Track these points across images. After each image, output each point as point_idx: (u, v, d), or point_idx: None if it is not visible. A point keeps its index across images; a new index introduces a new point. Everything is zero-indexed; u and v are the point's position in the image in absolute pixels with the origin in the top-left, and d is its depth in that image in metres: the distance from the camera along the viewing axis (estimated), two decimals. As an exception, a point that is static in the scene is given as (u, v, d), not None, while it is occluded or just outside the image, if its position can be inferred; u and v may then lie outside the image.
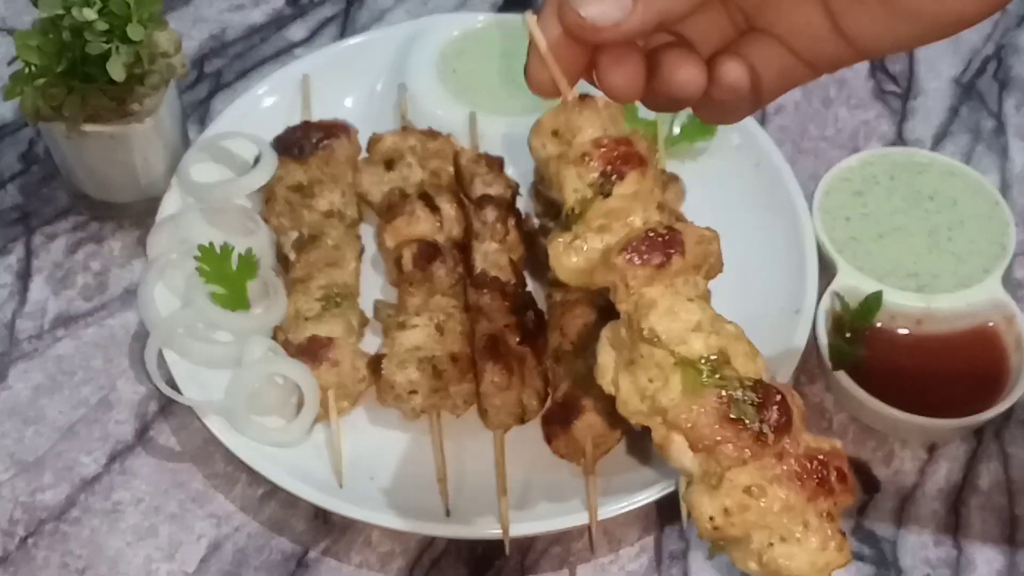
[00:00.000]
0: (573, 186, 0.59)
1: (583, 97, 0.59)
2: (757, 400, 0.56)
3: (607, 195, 0.58)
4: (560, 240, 0.59)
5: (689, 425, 0.55)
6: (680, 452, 0.56)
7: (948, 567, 0.88)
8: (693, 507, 0.56)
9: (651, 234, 0.58)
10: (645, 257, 0.57)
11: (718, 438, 0.55)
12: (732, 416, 0.55)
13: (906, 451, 0.94)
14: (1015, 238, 1.00)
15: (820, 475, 0.56)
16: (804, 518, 0.55)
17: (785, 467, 0.55)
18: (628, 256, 0.57)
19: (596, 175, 0.58)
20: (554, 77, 0.57)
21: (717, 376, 0.56)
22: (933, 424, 0.90)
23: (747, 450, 0.55)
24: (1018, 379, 0.91)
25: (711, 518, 0.55)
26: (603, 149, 0.59)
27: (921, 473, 0.93)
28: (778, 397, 0.56)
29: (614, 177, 0.58)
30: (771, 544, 0.55)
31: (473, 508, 0.86)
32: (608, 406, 0.87)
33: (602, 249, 0.59)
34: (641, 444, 0.90)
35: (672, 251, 0.58)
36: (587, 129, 0.60)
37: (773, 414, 0.55)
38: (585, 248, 0.59)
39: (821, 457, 0.57)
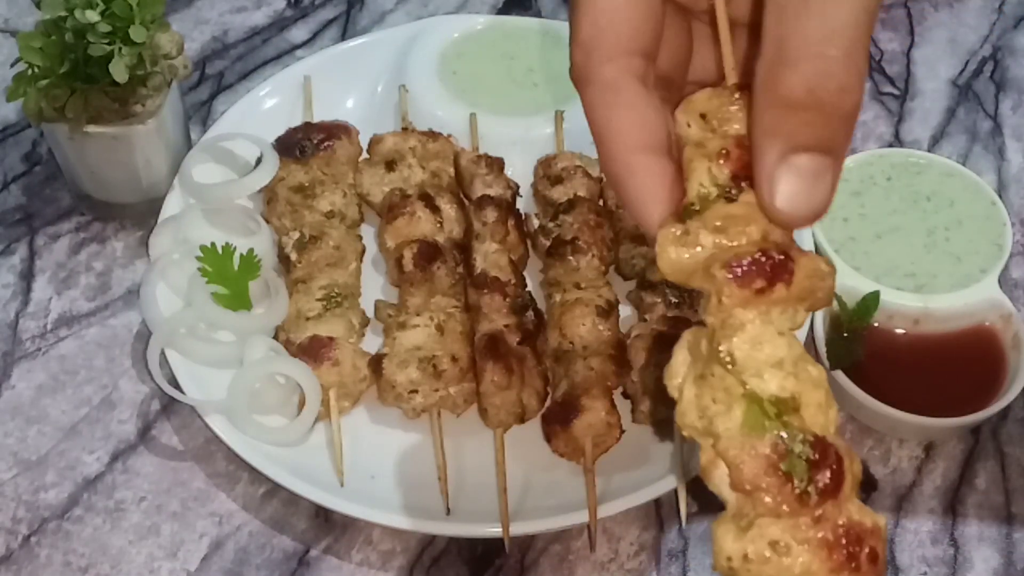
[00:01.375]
0: (700, 180, 0.55)
1: (743, 85, 0.54)
2: (813, 458, 0.53)
3: (732, 199, 0.54)
4: (672, 230, 0.55)
5: (737, 462, 0.53)
6: (721, 481, 0.54)
7: (945, 565, 0.88)
8: (716, 540, 0.54)
9: (761, 256, 0.53)
10: (747, 278, 0.53)
11: (761, 485, 0.53)
12: (782, 468, 0.53)
13: (903, 450, 0.94)
14: (1012, 238, 1.01)
15: (851, 550, 0.54)
16: None
17: (819, 533, 0.53)
18: (730, 271, 0.53)
19: (727, 176, 0.54)
20: (723, 53, 0.53)
21: (781, 421, 0.53)
22: (930, 423, 0.90)
23: (786, 506, 0.53)
24: (1015, 378, 0.91)
25: (729, 558, 0.54)
26: (743, 150, 0.54)
27: (918, 472, 0.93)
28: (834, 462, 0.53)
29: (744, 183, 0.54)
30: None
31: (473, 507, 0.87)
32: (608, 405, 0.88)
33: (710, 252, 0.55)
34: (640, 443, 0.91)
35: (778, 279, 0.53)
36: (736, 122, 0.55)
37: (824, 476, 0.53)
38: (694, 247, 0.55)
39: (859, 531, 0.54)
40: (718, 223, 0.54)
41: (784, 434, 0.53)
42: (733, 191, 0.54)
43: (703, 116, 0.55)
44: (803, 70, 0.48)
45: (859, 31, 0.48)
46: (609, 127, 0.53)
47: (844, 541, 0.53)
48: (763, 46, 0.49)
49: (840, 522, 0.54)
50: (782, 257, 0.54)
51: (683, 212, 0.55)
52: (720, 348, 0.54)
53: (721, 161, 0.54)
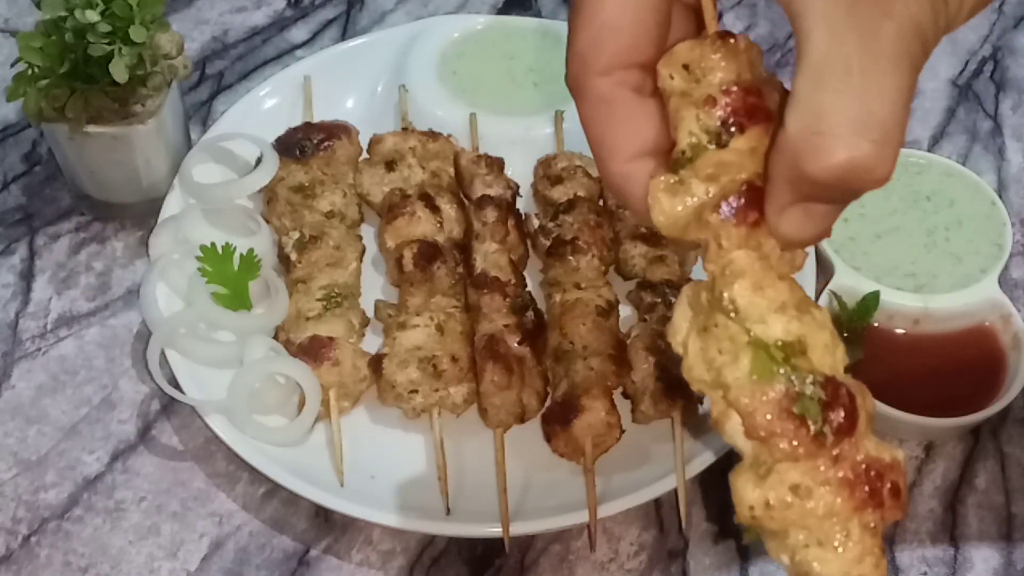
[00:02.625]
0: (689, 128, 0.54)
1: (724, 34, 0.53)
2: (824, 398, 0.52)
3: (723, 145, 0.53)
4: (662, 179, 0.54)
5: (749, 410, 0.53)
6: (735, 431, 0.54)
7: (945, 566, 0.88)
8: (736, 491, 0.54)
9: (748, 189, 0.53)
10: (741, 213, 0.52)
11: (775, 431, 0.52)
12: (794, 411, 0.52)
13: (903, 450, 0.93)
14: (1012, 238, 1.01)
15: (873, 486, 0.53)
16: (847, 527, 0.53)
17: (839, 472, 0.53)
18: (724, 209, 0.52)
19: (716, 122, 0.53)
20: (703, 3, 0.52)
21: (789, 365, 0.53)
22: (930, 423, 0.90)
23: (802, 449, 0.52)
24: (1015, 378, 0.91)
25: (751, 507, 0.53)
26: (730, 96, 0.53)
27: (918, 472, 0.93)
28: (847, 398, 0.53)
29: (734, 128, 0.53)
30: (807, 545, 0.53)
31: (473, 507, 0.87)
32: (608, 405, 0.88)
33: (704, 201, 0.54)
34: (640, 443, 0.91)
35: None
36: (719, 71, 0.53)
37: (838, 415, 0.52)
38: (688, 196, 0.54)
39: (878, 467, 0.54)
40: (710, 171, 0.54)
41: (794, 377, 0.53)
42: (723, 137, 0.53)
43: (686, 67, 0.54)
44: (838, 157, 0.48)
45: (899, 115, 0.48)
46: (603, 140, 0.53)
47: (864, 478, 0.53)
48: (795, 107, 0.48)
49: (858, 459, 0.53)
50: None
51: (674, 163, 0.54)
52: (723, 296, 0.53)
53: (708, 108, 0.53)
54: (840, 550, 0.53)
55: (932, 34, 0.49)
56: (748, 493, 0.53)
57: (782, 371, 0.53)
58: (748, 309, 0.53)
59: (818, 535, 0.53)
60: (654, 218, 0.54)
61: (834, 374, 0.54)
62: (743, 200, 0.53)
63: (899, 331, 0.97)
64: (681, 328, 0.55)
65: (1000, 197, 1.05)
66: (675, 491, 0.87)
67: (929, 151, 1.13)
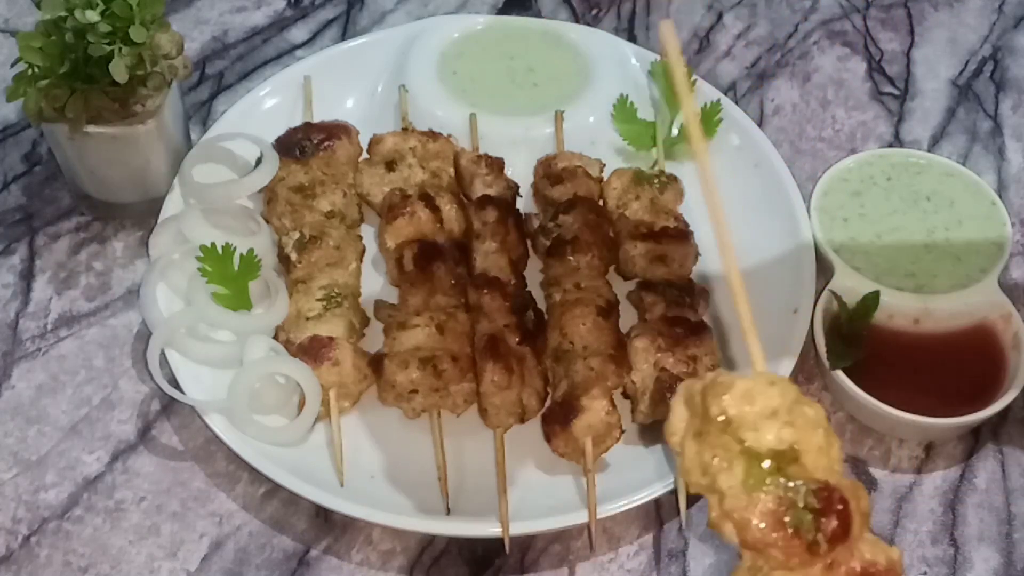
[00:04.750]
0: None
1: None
2: (818, 506, 0.53)
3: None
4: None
5: (743, 522, 0.54)
6: (732, 536, 0.55)
7: (945, 565, 0.88)
8: None
9: None
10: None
11: (769, 542, 0.53)
12: (787, 521, 0.53)
13: (903, 450, 0.94)
14: (1011, 238, 1.01)
15: None
16: None
17: None
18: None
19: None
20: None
21: (781, 474, 0.54)
22: (930, 423, 0.90)
23: (796, 559, 0.53)
24: (1015, 378, 0.92)
25: None
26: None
27: (918, 472, 0.93)
28: (839, 507, 0.54)
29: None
30: None
31: (473, 507, 0.87)
32: (608, 405, 0.88)
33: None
34: (640, 443, 0.91)
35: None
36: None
37: (832, 523, 0.53)
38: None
39: (873, 572, 0.55)
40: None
41: (787, 487, 0.53)
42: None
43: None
44: None
45: None
46: None
47: None
48: None
49: (853, 565, 0.54)
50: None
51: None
52: (711, 407, 0.54)
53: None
54: None
55: None
56: None
57: (775, 482, 0.53)
58: (740, 419, 0.54)
59: None
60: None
61: (828, 478, 0.54)
62: None
63: (899, 331, 0.96)
64: (678, 428, 0.56)
65: (1000, 197, 1.05)
66: (675, 491, 0.87)
67: (929, 151, 1.13)
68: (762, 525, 0.53)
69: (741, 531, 0.54)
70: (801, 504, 0.54)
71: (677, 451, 0.56)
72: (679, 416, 0.56)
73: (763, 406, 0.54)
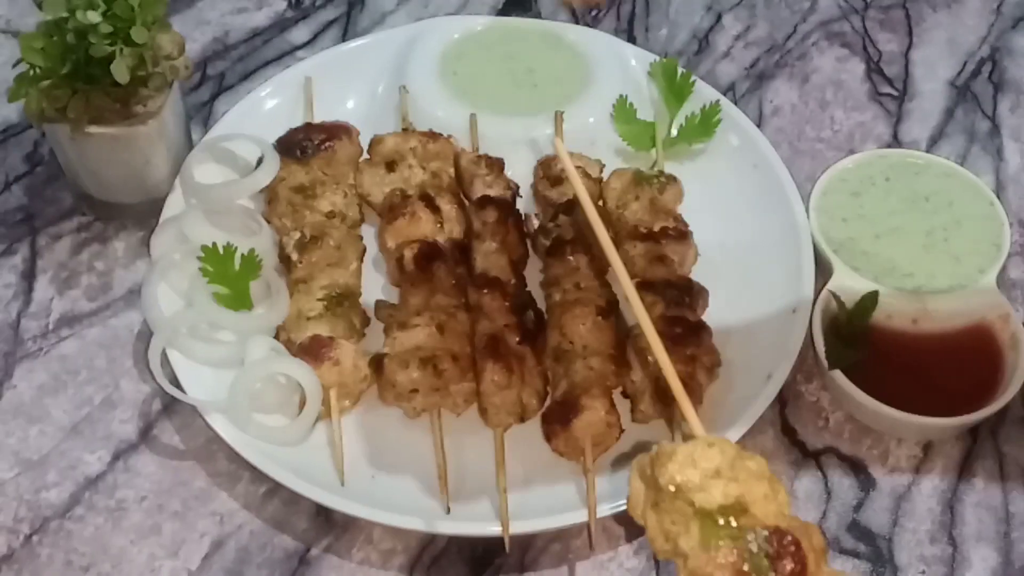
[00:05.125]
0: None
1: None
2: (772, 551, 0.58)
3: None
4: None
5: None
6: None
7: (944, 564, 0.88)
8: None
9: None
10: None
11: None
12: (745, 570, 0.58)
13: (902, 449, 0.94)
14: (1010, 238, 1.01)
15: None
16: None
17: None
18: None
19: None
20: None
21: (734, 526, 0.58)
22: (929, 423, 0.91)
23: None
24: (1013, 378, 0.92)
25: None
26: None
27: (917, 471, 0.93)
28: (792, 548, 0.58)
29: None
30: None
31: (473, 506, 0.87)
32: (608, 404, 0.88)
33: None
34: (640, 443, 0.91)
35: None
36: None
37: (787, 564, 0.58)
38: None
39: None
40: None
41: (740, 538, 0.58)
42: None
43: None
44: None
45: None
46: None
47: None
48: None
49: None
50: None
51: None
52: (658, 478, 0.59)
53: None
54: None
55: None
56: None
57: (728, 536, 0.58)
58: (687, 484, 0.59)
59: None
60: None
61: (778, 522, 0.59)
62: None
63: (897, 331, 0.97)
64: (639, 501, 0.61)
65: (998, 197, 1.05)
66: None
67: (928, 152, 1.13)
68: None
69: None
70: (756, 550, 0.58)
71: (641, 523, 0.61)
72: (636, 490, 0.61)
73: (705, 467, 0.59)
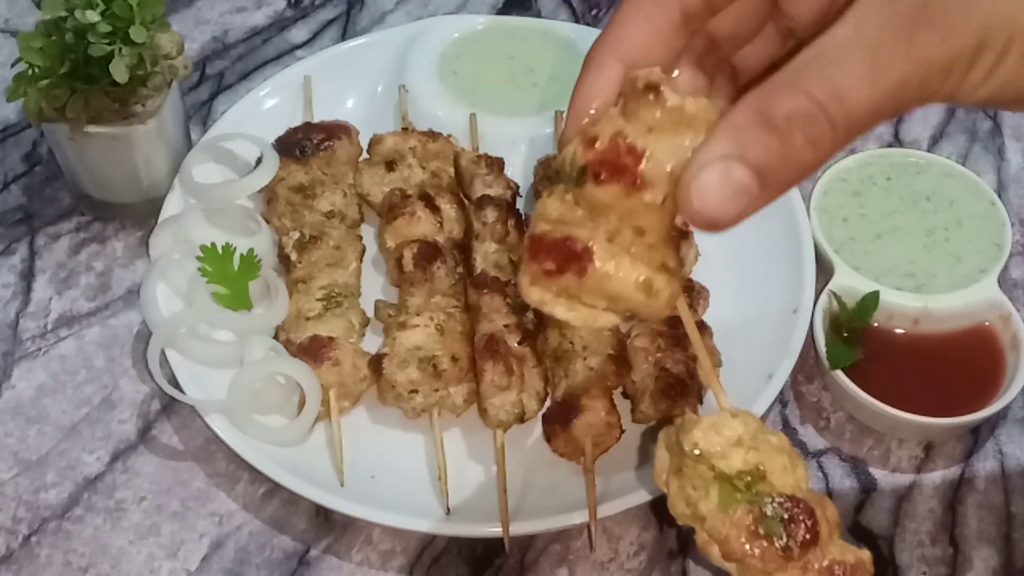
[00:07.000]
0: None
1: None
2: (786, 516, 0.60)
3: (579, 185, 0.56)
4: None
5: (722, 537, 0.60)
6: (718, 557, 0.61)
7: (945, 565, 0.88)
8: None
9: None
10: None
11: (747, 552, 0.60)
12: (760, 532, 0.60)
13: (903, 449, 0.94)
14: (1011, 238, 1.01)
15: None
16: None
17: None
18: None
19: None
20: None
21: (752, 492, 0.60)
22: (930, 423, 0.90)
23: (773, 564, 0.60)
24: (1014, 378, 0.92)
25: None
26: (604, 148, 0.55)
27: (918, 471, 0.93)
28: (806, 514, 0.60)
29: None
30: None
31: (473, 507, 0.87)
32: (608, 405, 0.88)
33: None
34: (640, 444, 0.91)
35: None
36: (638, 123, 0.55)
37: (800, 529, 0.60)
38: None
39: (844, 567, 0.61)
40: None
41: (756, 502, 0.60)
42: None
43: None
44: (797, 101, 0.50)
45: (874, 111, 0.50)
46: (607, 35, 0.57)
47: (834, 572, 0.61)
48: (803, 56, 0.51)
49: (824, 565, 0.61)
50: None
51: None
52: (683, 444, 0.61)
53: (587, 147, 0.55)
54: None
55: (937, 82, 0.51)
56: None
57: (745, 498, 0.60)
58: (710, 449, 0.61)
59: None
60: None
61: (794, 492, 0.61)
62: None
63: (898, 331, 0.97)
64: (663, 469, 0.64)
65: (999, 197, 1.05)
66: (675, 491, 0.87)
67: (929, 151, 1.13)
68: (740, 538, 0.60)
69: (723, 547, 0.60)
70: (770, 515, 0.60)
71: (664, 490, 0.63)
72: (662, 459, 0.63)
73: (729, 435, 0.61)
